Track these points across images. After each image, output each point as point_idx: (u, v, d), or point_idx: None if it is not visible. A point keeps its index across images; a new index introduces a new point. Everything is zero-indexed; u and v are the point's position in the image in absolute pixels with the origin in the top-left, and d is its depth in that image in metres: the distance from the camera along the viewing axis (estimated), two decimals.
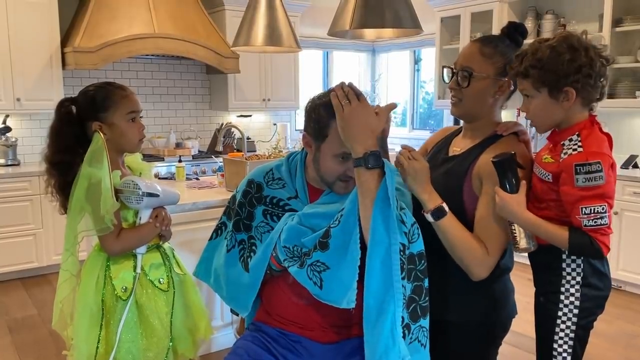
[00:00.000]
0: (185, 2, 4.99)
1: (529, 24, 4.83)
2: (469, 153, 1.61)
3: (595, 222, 1.42)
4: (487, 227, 1.54)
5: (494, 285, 1.62)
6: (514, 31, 1.62)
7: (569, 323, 1.55)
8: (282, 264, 1.59)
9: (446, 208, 1.50)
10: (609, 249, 1.47)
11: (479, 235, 1.54)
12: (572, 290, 1.55)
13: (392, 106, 1.54)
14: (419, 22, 2.13)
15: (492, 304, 1.63)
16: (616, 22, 4.22)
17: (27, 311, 3.74)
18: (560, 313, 1.56)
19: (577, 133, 1.49)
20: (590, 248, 1.45)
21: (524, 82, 1.51)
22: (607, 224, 1.43)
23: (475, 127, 1.66)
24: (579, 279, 1.54)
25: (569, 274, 1.55)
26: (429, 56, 6.28)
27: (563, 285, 1.56)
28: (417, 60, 6.51)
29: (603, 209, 1.42)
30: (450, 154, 1.69)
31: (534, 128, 1.58)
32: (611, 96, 4.30)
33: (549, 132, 1.60)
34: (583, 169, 1.42)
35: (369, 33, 2.32)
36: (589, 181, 1.41)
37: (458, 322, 1.61)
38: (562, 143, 1.51)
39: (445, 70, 1.67)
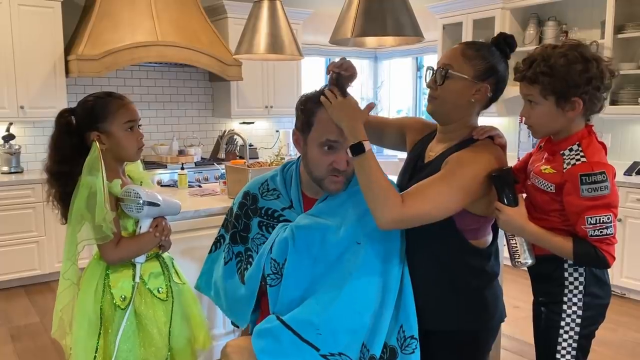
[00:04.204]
0: (188, 10, 5.01)
1: (531, 31, 4.84)
2: (441, 158, 1.59)
3: (600, 232, 1.42)
4: (418, 188, 1.48)
5: (485, 291, 1.61)
6: (503, 41, 1.60)
7: (571, 333, 1.55)
8: (265, 278, 1.60)
9: (366, 146, 1.48)
10: (614, 259, 1.46)
11: (406, 193, 1.48)
12: (575, 300, 1.54)
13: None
14: (420, 29, 2.13)
15: (484, 311, 1.61)
16: (618, 29, 4.22)
17: (30, 319, 3.74)
18: (563, 323, 1.55)
19: (577, 143, 1.49)
20: (595, 258, 1.44)
21: (530, 88, 1.49)
22: (612, 234, 1.43)
23: (449, 129, 1.63)
24: (581, 288, 1.54)
25: (571, 283, 1.55)
26: (431, 63, 6.28)
27: (565, 295, 1.55)
28: (419, 67, 6.51)
29: (608, 218, 1.42)
30: (426, 160, 1.67)
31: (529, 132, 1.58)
32: (614, 103, 4.30)
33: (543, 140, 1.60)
34: (588, 179, 1.41)
35: (371, 41, 2.32)
36: (594, 191, 1.41)
37: (451, 332, 1.60)
38: (561, 153, 1.51)
39: (427, 71, 1.66)
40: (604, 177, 1.41)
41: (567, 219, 1.50)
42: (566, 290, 1.55)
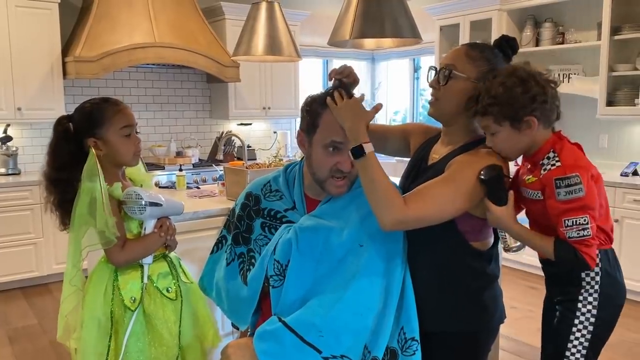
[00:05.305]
0: (185, 11, 5.02)
1: (528, 32, 4.86)
2: (445, 160, 1.60)
3: (578, 233, 1.46)
4: (420, 190, 1.50)
5: (485, 293, 1.62)
6: (505, 43, 1.62)
7: (584, 332, 1.57)
8: (269, 279, 1.60)
9: (367, 149, 1.49)
10: (594, 260, 1.50)
11: (409, 195, 1.49)
12: (590, 299, 1.57)
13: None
14: (419, 31, 2.14)
15: (484, 312, 1.62)
16: (615, 30, 4.24)
17: (28, 321, 3.73)
18: (576, 321, 1.58)
19: (551, 150, 1.54)
20: (574, 260, 1.48)
21: (484, 120, 1.54)
22: (590, 235, 1.46)
23: (452, 131, 1.64)
24: (596, 287, 1.57)
25: (587, 283, 1.58)
26: (429, 64, 6.30)
27: (581, 294, 1.58)
28: (416, 69, 6.53)
29: (585, 220, 1.45)
30: (430, 162, 1.68)
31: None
32: (610, 104, 4.32)
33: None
34: (563, 183, 1.46)
35: (369, 43, 2.33)
36: (569, 194, 1.46)
37: (451, 333, 1.60)
38: (541, 163, 1.55)
39: (430, 70, 1.67)
40: (577, 179, 1.45)
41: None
42: (582, 290, 1.58)
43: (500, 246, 1.60)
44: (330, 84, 1.66)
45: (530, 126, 1.51)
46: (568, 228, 1.46)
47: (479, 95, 1.52)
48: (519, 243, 1.60)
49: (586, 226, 1.45)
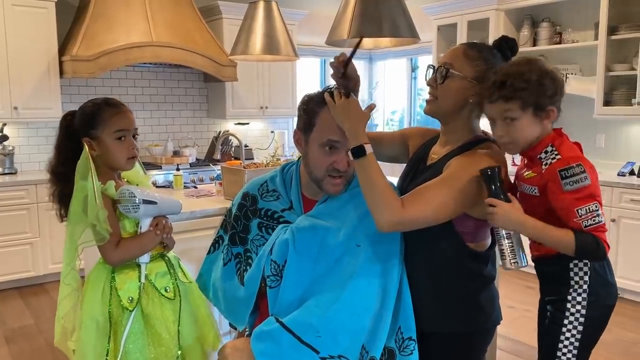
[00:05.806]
0: (183, 11, 5.01)
1: (525, 32, 4.86)
2: (444, 160, 1.59)
3: (594, 220, 1.45)
4: (418, 191, 1.49)
5: (481, 294, 1.61)
6: (505, 44, 1.63)
7: (574, 332, 1.57)
8: (265, 279, 1.59)
9: (367, 149, 1.49)
10: (609, 247, 1.49)
11: (407, 197, 1.48)
12: (579, 299, 1.57)
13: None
14: (417, 31, 2.14)
15: (481, 313, 1.61)
16: (612, 30, 4.24)
17: (24, 321, 3.72)
18: (566, 321, 1.57)
19: (550, 144, 1.54)
20: (596, 248, 1.46)
21: (508, 104, 1.51)
22: (603, 222, 1.46)
23: (450, 130, 1.64)
24: (585, 287, 1.56)
25: (576, 282, 1.57)
26: (426, 64, 6.30)
27: (570, 294, 1.57)
28: (414, 68, 6.53)
29: (596, 207, 1.46)
30: (429, 162, 1.68)
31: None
32: (608, 104, 4.33)
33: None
34: (568, 173, 1.46)
35: (367, 42, 2.32)
36: (575, 183, 1.45)
37: (448, 334, 1.60)
38: (539, 157, 1.55)
39: (428, 69, 1.67)
40: (581, 168, 1.45)
41: (556, 220, 1.51)
42: (571, 290, 1.57)
43: (499, 265, 1.55)
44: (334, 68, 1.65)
45: (549, 116, 1.52)
46: (583, 217, 1.44)
47: (502, 80, 1.49)
48: (516, 260, 1.55)
49: (598, 212, 1.45)
